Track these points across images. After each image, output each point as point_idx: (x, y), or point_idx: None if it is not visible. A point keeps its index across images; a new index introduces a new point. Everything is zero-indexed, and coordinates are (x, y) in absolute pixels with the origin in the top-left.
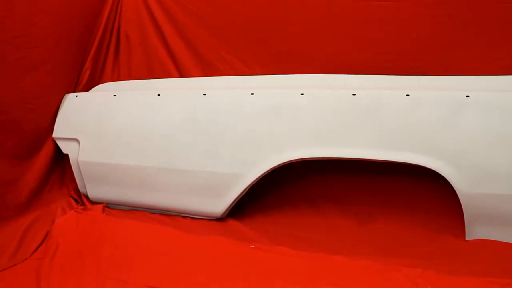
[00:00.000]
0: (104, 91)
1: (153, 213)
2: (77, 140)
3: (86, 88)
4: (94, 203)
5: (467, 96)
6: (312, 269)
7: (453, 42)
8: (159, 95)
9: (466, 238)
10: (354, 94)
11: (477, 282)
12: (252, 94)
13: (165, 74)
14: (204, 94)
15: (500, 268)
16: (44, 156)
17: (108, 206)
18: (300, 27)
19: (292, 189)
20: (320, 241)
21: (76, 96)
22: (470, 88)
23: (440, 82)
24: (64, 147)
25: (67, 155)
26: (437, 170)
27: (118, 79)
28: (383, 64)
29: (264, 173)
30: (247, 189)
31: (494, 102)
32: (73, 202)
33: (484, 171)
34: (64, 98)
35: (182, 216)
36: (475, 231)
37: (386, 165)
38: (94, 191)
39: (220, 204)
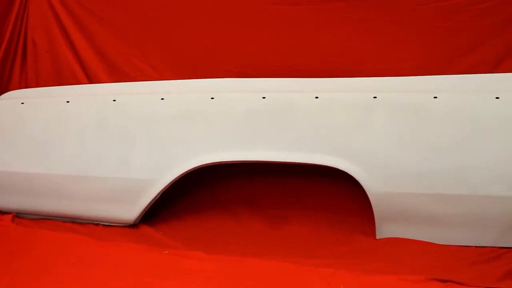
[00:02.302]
0: (11, 99)
1: (64, 222)
2: None
3: None
4: (3, 213)
5: (375, 97)
6: (226, 273)
7: (361, 45)
8: (68, 102)
9: (377, 237)
10: (264, 98)
11: (388, 280)
12: (162, 99)
13: (74, 80)
14: (114, 100)
15: (410, 265)
16: None
17: (18, 216)
18: (210, 32)
19: (205, 193)
20: (234, 244)
21: None
22: (378, 89)
23: (349, 84)
24: None
25: None
26: (347, 171)
27: (26, 86)
28: (293, 67)
29: (176, 178)
30: (160, 195)
31: (401, 102)
32: None
33: (392, 171)
34: None
35: (95, 224)
36: (385, 230)
37: (299, 167)
38: (3, 201)
39: (132, 211)
